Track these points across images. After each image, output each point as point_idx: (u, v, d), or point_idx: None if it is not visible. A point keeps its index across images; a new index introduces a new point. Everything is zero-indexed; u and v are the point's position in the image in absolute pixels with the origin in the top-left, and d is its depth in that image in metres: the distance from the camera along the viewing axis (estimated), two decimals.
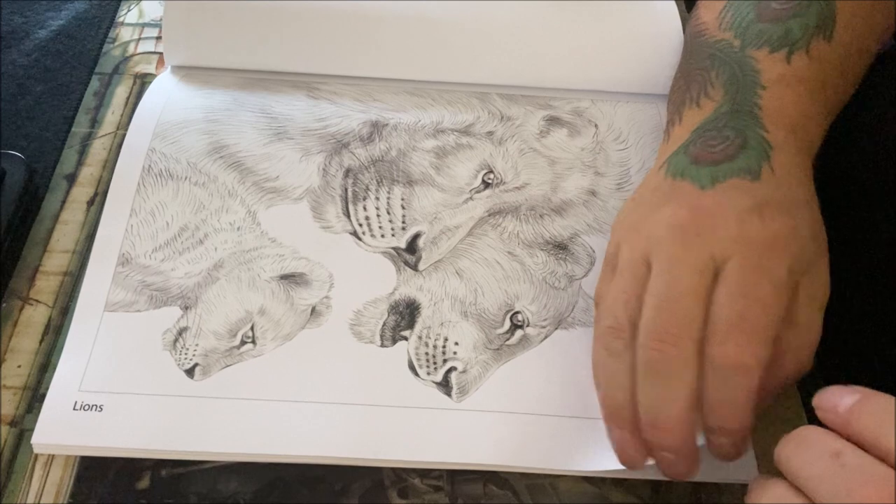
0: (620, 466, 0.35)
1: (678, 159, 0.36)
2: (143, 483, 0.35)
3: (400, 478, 0.35)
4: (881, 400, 0.26)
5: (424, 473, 0.36)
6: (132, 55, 0.50)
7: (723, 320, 0.31)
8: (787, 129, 0.36)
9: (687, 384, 0.31)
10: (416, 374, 0.38)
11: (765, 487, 0.28)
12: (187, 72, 0.48)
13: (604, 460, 0.35)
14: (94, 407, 0.36)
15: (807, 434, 0.27)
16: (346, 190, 0.43)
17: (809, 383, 0.39)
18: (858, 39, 0.39)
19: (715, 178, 0.34)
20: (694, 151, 0.36)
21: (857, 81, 0.40)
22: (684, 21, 0.49)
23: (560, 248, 0.42)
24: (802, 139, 0.36)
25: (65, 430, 0.35)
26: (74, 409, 0.35)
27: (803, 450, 0.26)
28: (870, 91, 0.39)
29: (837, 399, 0.27)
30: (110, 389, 0.36)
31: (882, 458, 0.25)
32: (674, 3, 0.50)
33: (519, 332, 0.39)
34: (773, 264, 0.32)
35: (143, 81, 0.48)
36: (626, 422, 0.33)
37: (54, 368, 0.37)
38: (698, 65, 0.41)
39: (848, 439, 0.26)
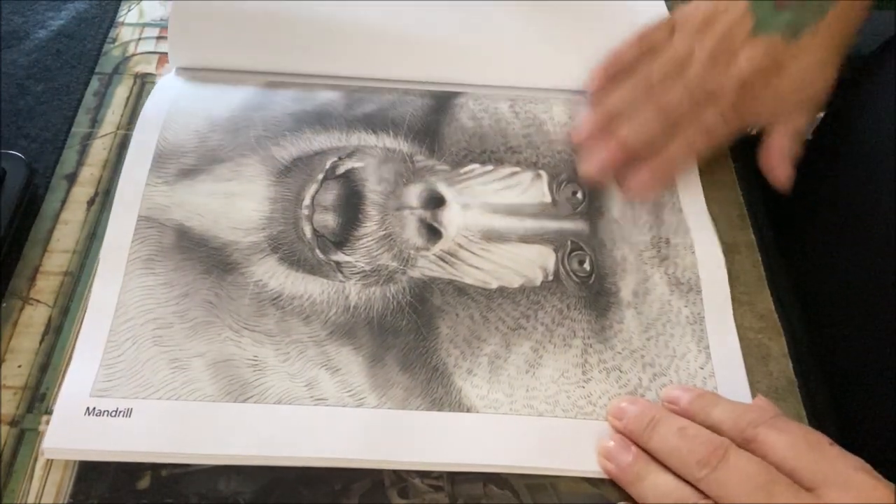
0: None
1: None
2: (143, 483, 0.35)
3: (400, 478, 0.35)
4: (708, 394, 0.36)
5: (424, 473, 0.35)
6: (132, 55, 0.50)
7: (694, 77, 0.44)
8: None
9: None
10: None
11: (642, 476, 0.34)
12: (192, 73, 0.48)
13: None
14: (106, 412, 0.36)
15: (659, 417, 0.35)
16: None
17: (811, 383, 0.39)
18: None
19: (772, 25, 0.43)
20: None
21: None
22: None
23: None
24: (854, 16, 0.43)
25: (76, 435, 0.35)
26: (86, 414, 0.35)
27: (658, 429, 0.34)
28: (870, 92, 0.39)
29: (679, 394, 0.37)
30: (121, 394, 0.36)
31: (712, 429, 0.34)
32: (662, 2, 0.50)
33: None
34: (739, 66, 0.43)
35: (143, 81, 0.48)
36: None
37: (55, 368, 0.37)
38: None
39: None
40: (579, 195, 0.44)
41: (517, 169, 0.45)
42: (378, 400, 0.37)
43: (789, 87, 0.43)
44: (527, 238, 0.42)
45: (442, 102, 0.48)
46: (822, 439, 0.32)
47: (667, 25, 0.46)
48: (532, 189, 0.44)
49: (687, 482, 0.33)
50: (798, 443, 0.32)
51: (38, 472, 0.35)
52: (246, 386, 0.37)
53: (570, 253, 0.42)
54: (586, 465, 0.36)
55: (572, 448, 0.36)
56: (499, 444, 0.36)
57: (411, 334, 0.39)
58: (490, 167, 0.45)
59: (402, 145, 0.46)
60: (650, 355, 0.39)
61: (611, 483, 0.35)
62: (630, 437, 0.35)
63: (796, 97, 0.44)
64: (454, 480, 0.35)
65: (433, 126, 0.47)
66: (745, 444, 0.33)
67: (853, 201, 0.42)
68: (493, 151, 0.46)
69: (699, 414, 0.35)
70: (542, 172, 0.45)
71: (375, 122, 0.46)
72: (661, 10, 0.51)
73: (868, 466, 0.31)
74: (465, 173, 0.45)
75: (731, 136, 0.45)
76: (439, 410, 0.37)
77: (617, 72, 0.46)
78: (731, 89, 0.43)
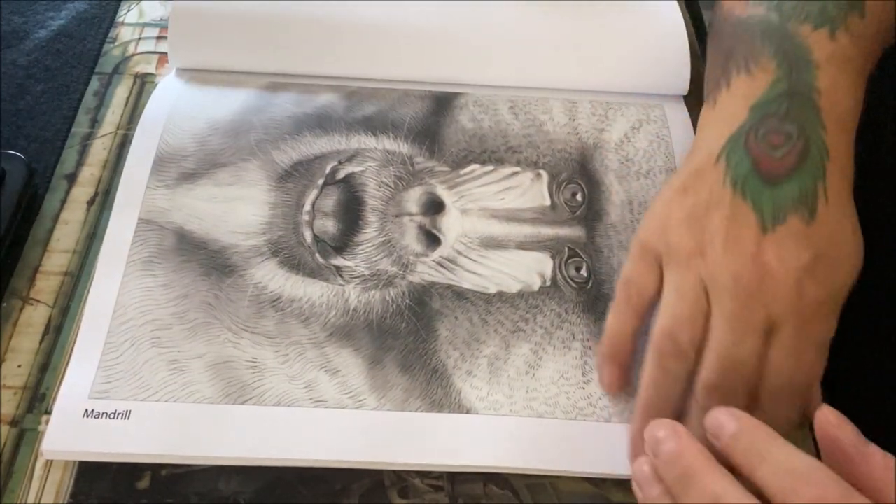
0: (621, 469, 0.35)
1: (739, 156, 0.36)
2: (143, 483, 0.35)
3: (400, 478, 0.35)
4: (758, 433, 0.29)
5: (425, 473, 0.36)
6: (132, 55, 0.50)
7: (775, 382, 0.34)
8: (840, 126, 0.36)
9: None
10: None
11: None
12: (192, 74, 0.48)
13: (604, 461, 0.36)
14: (104, 414, 0.36)
15: (694, 471, 0.28)
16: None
17: None
18: (886, 12, 0.39)
19: (776, 214, 0.35)
20: (755, 150, 0.36)
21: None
22: (686, 22, 0.49)
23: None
24: (850, 132, 0.37)
25: (75, 437, 0.35)
26: (84, 416, 0.35)
27: (690, 490, 0.28)
28: (870, 92, 0.39)
29: (724, 422, 0.29)
30: (120, 396, 0.36)
31: (756, 493, 0.27)
32: (675, 2, 0.50)
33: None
34: (820, 328, 0.34)
35: (143, 81, 0.48)
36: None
37: (55, 368, 0.37)
38: (737, 39, 0.40)
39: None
40: (579, 197, 0.45)
41: (518, 169, 0.45)
42: (377, 402, 0.37)
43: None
44: (525, 245, 0.43)
45: (442, 104, 0.48)
46: None
47: (650, 261, 0.37)
48: (532, 191, 0.45)
49: None
50: None
51: (38, 472, 0.35)
52: (245, 388, 0.37)
53: (567, 259, 0.42)
54: (586, 465, 0.36)
55: (572, 448, 0.36)
56: (499, 444, 0.36)
57: (410, 336, 0.39)
58: (490, 167, 0.45)
59: (402, 147, 0.46)
60: None
61: (611, 483, 0.36)
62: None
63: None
64: (454, 480, 0.35)
65: (433, 127, 0.47)
66: None
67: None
68: (493, 151, 0.46)
69: (744, 464, 0.28)
70: (543, 172, 0.45)
71: (375, 125, 0.47)
72: (661, 9, 0.50)
73: None
74: (466, 174, 0.45)
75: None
76: (439, 412, 0.37)
77: (626, 359, 0.38)
78: (789, 313, 0.34)
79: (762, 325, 0.34)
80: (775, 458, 0.27)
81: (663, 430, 0.30)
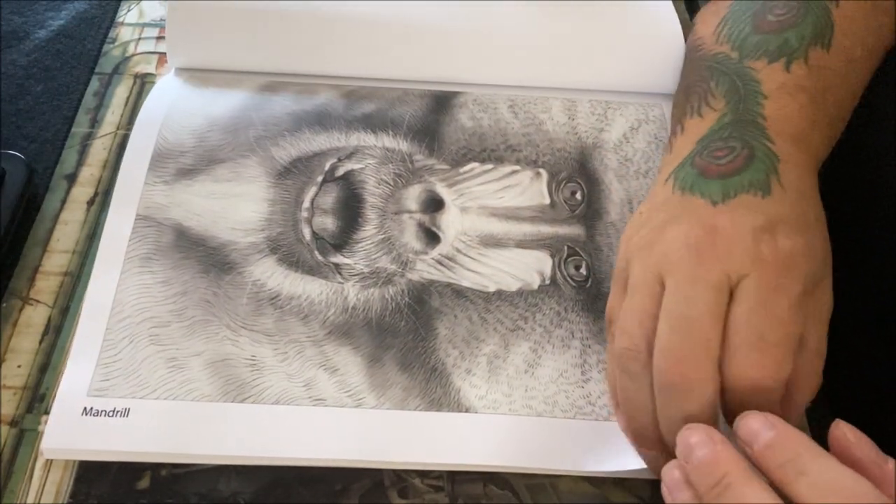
0: (621, 468, 0.35)
1: (685, 172, 0.36)
2: (143, 483, 0.35)
3: (400, 478, 0.35)
4: (795, 443, 0.28)
5: (424, 473, 0.36)
6: (132, 55, 0.50)
7: (741, 340, 0.31)
8: (792, 140, 0.36)
9: (709, 403, 0.31)
10: None
11: None
12: (191, 74, 0.48)
13: (604, 460, 0.36)
14: (103, 412, 0.36)
15: (731, 479, 0.27)
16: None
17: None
18: (860, 44, 0.39)
19: (726, 192, 0.34)
20: (700, 164, 0.36)
21: (864, 84, 0.40)
22: (683, 21, 0.49)
23: None
24: (807, 149, 0.36)
25: (74, 435, 0.35)
26: (83, 414, 0.35)
27: (725, 497, 0.27)
28: (870, 92, 0.39)
29: (758, 429, 0.28)
30: (119, 394, 0.36)
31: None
32: (671, 2, 0.50)
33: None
34: (788, 283, 0.32)
35: (143, 81, 0.48)
36: (654, 442, 0.33)
37: (54, 368, 0.37)
38: (697, 77, 0.41)
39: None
40: (578, 195, 0.45)
41: (517, 167, 0.45)
42: (377, 400, 0.37)
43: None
44: (524, 243, 0.43)
45: (441, 103, 0.48)
46: None
47: (621, 286, 0.36)
48: (531, 189, 0.45)
49: None
50: None
51: (38, 472, 0.35)
52: (244, 385, 0.37)
53: (566, 258, 0.42)
54: (586, 464, 0.36)
55: (572, 448, 0.36)
56: (498, 443, 0.36)
57: (410, 335, 0.39)
58: (490, 166, 0.45)
59: (401, 145, 0.46)
60: None
61: (611, 483, 0.36)
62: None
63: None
64: (454, 480, 0.35)
65: (433, 126, 0.47)
66: None
67: (853, 201, 0.42)
68: (492, 150, 0.46)
69: (780, 476, 0.27)
70: (542, 171, 0.45)
71: (375, 122, 0.47)
72: (660, 9, 0.50)
73: None
74: (465, 172, 0.45)
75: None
76: (438, 410, 0.37)
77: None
78: (749, 264, 0.32)
79: (718, 282, 0.31)
80: (815, 471, 0.27)
81: (696, 436, 0.29)
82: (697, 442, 0.29)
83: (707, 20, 0.44)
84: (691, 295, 0.32)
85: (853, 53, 0.39)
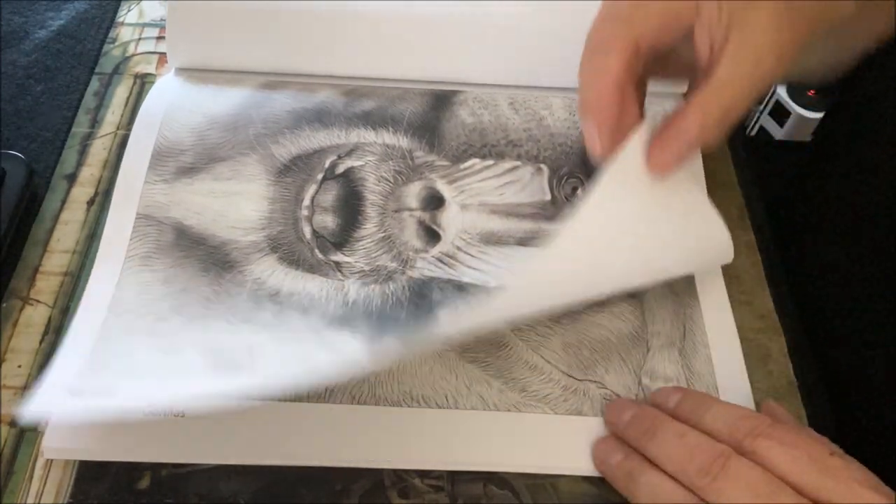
0: None
1: None
2: (143, 483, 0.35)
3: (400, 478, 0.35)
4: (698, 395, 0.35)
5: (424, 473, 0.35)
6: (132, 55, 0.50)
7: None
8: None
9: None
10: None
11: (635, 475, 0.33)
12: (191, 73, 0.48)
13: None
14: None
15: (658, 423, 0.34)
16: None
17: (811, 383, 0.39)
18: None
19: None
20: None
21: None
22: None
23: None
24: None
25: (75, 434, 0.35)
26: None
27: (657, 436, 0.33)
28: (870, 92, 0.39)
29: (668, 393, 0.36)
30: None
31: (709, 434, 0.33)
32: None
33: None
34: None
35: (143, 81, 0.48)
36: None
37: None
38: None
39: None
40: (580, 191, 0.44)
41: (518, 163, 0.45)
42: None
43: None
44: (525, 241, 0.42)
45: (441, 100, 0.48)
46: (823, 450, 0.31)
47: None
48: (532, 185, 0.44)
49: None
50: (800, 457, 0.31)
51: (38, 472, 0.35)
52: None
53: None
54: (586, 464, 0.35)
55: (572, 448, 0.36)
56: (499, 443, 0.36)
57: (411, 321, 0.39)
58: (490, 162, 0.45)
59: (401, 141, 0.46)
60: None
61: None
62: (628, 443, 0.34)
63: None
64: (454, 480, 0.35)
65: (433, 122, 0.47)
66: (744, 455, 0.31)
67: (853, 201, 0.42)
68: (493, 145, 0.46)
69: (690, 418, 0.34)
70: (543, 167, 0.45)
71: (375, 119, 0.46)
72: None
73: (871, 477, 0.30)
74: (466, 168, 0.45)
75: None
76: (439, 408, 0.37)
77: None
78: None
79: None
80: (717, 407, 0.34)
81: (621, 405, 0.36)
82: (622, 406, 0.36)
83: None
84: None
85: None
